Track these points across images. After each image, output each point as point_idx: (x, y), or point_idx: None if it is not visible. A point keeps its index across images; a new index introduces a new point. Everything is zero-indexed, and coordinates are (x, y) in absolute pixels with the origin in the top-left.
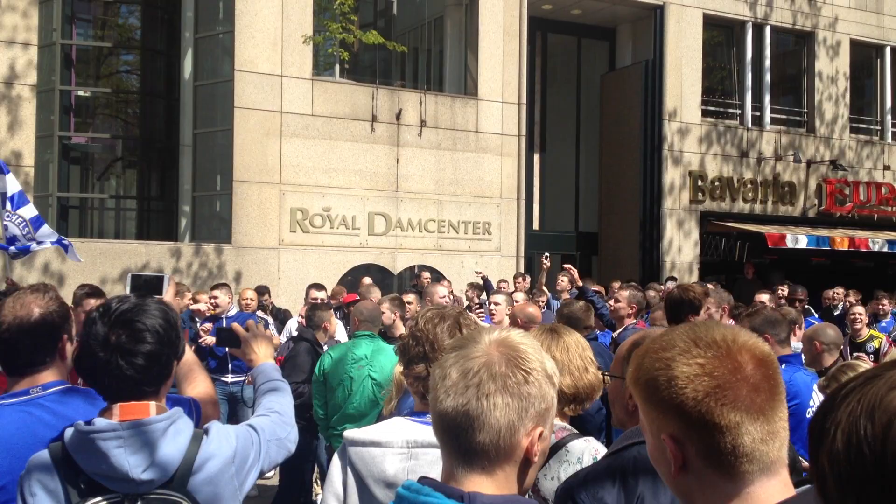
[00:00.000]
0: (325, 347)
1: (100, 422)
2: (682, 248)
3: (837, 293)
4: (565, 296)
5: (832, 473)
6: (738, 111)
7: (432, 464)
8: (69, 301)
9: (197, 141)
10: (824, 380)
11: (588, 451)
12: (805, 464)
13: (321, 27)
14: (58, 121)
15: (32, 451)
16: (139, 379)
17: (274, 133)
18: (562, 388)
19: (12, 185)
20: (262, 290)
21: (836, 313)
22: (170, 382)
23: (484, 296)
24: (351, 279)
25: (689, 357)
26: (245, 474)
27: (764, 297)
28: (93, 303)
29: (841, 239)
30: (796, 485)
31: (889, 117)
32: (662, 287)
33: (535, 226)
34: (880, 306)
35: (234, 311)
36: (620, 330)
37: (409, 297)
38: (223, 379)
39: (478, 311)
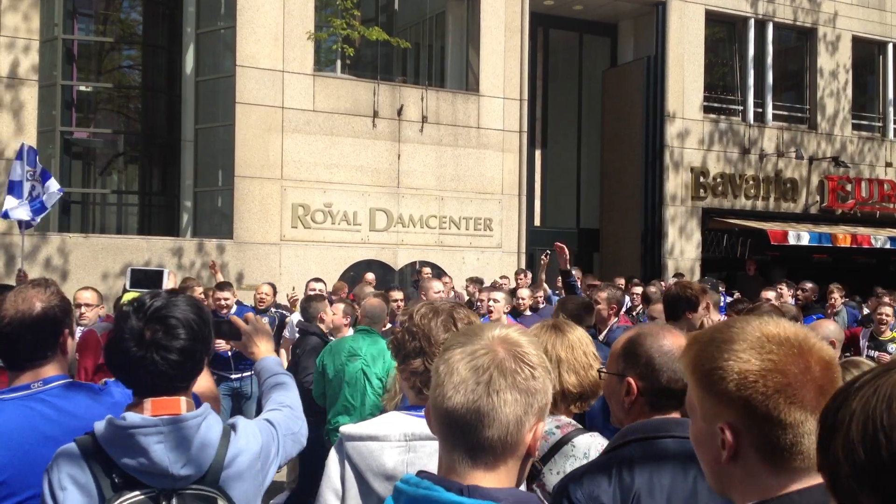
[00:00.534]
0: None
1: (134, 416)
2: (683, 245)
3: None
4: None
5: (847, 463)
6: (740, 107)
7: (430, 456)
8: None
9: (198, 136)
10: None
11: (594, 446)
12: None
13: (323, 23)
14: (59, 116)
15: (33, 445)
16: (173, 375)
17: (275, 128)
18: (568, 386)
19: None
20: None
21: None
22: (198, 378)
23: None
24: (353, 275)
25: (762, 352)
26: (267, 469)
27: (770, 294)
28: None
29: (843, 236)
30: None
31: (891, 114)
32: (663, 283)
33: (537, 222)
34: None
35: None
36: (605, 331)
37: (397, 295)
38: (229, 376)
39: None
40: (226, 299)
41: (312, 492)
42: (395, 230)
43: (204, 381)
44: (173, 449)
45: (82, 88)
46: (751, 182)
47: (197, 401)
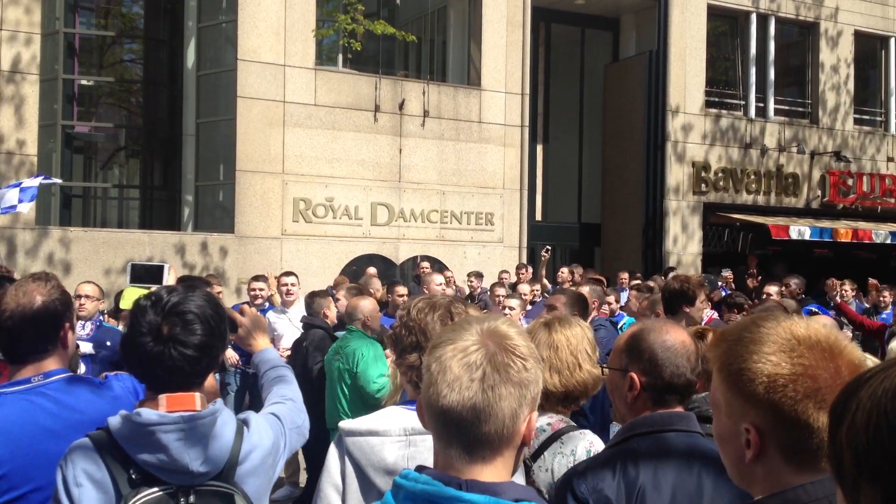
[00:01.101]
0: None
1: (151, 413)
2: (685, 239)
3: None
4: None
5: (850, 450)
6: (742, 102)
7: (431, 450)
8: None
9: (200, 130)
10: None
11: (583, 443)
12: None
13: (325, 17)
14: (61, 110)
15: (34, 439)
16: (189, 370)
17: (277, 123)
18: (548, 386)
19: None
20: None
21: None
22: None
23: (485, 284)
24: (354, 269)
25: (792, 355)
26: (277, 463)
27: (772, 290)
28: None
29: (844, 230)
30: None
31: (893, 108)
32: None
33: (538, 217)
34: (881, 298)
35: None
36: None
37: (402, 290)
38: (247, 369)
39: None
40: (260, 289)
41: None
42: (397, 224)
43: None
44: (193, 446)
45: (84, 82)
46: (752, 177)
47: None
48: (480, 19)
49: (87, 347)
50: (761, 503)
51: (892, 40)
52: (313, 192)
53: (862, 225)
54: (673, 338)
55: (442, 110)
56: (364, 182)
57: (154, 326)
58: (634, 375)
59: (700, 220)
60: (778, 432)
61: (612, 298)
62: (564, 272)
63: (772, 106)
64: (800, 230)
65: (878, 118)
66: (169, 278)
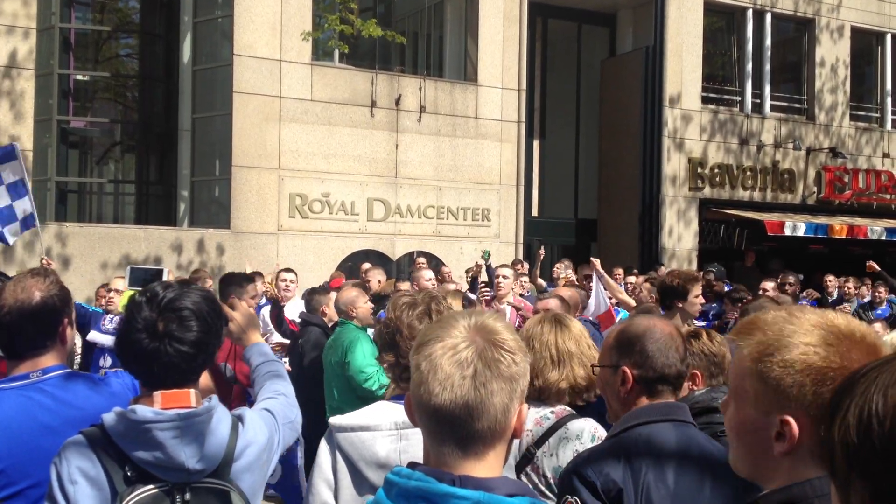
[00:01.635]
0: None
1: (146, 410)
2: (681, 235)
3: (830, 280)
4: (562, 283)
5: (841, 446)
6: (739, 98)
7: (422, 443)
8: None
9: (196, 126)
10: None
11: (588, 429)
12: None
13: (320, 14)
14: (56, 105)
15: (32, 435)
16: (185, 367)
17: (273, 118)
18: (578, 380)
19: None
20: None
21: (830, 300)
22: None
23: (483, 274)
24: (350, 265)
25: (840, 350)
26: (271, 459)
27: (768, 285)
28: None
29: (839, 227)
30: None
31: (889, 105)
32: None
33: (535, 212)
34: (877, 294)
35: None
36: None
37: (405, 286)
38: None
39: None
40: (292, 281)
41: None
42: (393, 220)
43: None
44: (189, 443)
45: (79, 77)
46: (748, 173)
47: None
48: (477, 14)
49: (110, 341)
50: (768, 497)
51: (889, 36)
52: (309, 188)
53: (858, 221)
54: (661, 330)
55: (438, 106)
56: (360, 178)
57: (150, 323)
58: (627, 369)
59: (696, 215)
60: (817, 426)
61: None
62: (560, 268)
63: (768, 102)
64: (795, 226)
65: (874, 114)
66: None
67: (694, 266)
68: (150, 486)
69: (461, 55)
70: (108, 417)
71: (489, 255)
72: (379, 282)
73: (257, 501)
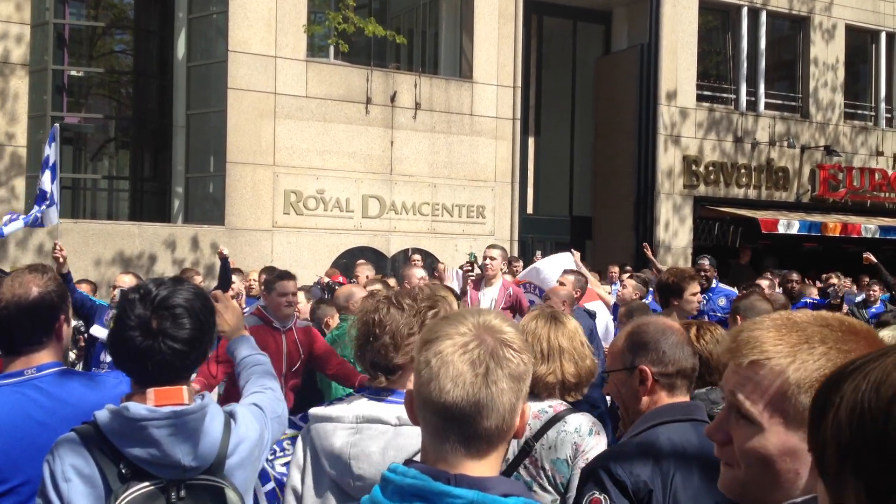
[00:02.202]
0: None
1: (139, 407)
2: (675, 232)
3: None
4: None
5: (834, 444)
6: (733, 96)
7: (373, 438)
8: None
9: (190, 122)
10: None
11: (585, 423)
12: None
13: (317, 9)
14: (50, 101)
15: (25, 432)
16: (179, 365)
17: (267, 114)
18: (567, 376)
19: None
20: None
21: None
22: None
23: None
24: (345, 262)
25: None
26: (262, 455)
27: (763, 283)
28: None
29: (833, 225)
30: None
31: (883, 103)
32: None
33: (529, 210)
34: (871, 292)
35: None
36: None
37: (392, 281)
38: None
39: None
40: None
41: None
42: (388, 217)
43: None
44: (184, 440)
45: (73, 73)
46: (743, 171)
47: None
48: (472, 11)
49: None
50: None
51: (883, 34)
52: (304, 185)
53: (852, 219)
54: (669, 327)
55: (434, 103)
56: (355, 174)
57: (143, 320)
58: (646, 368)
59: (691, 213)
60: None
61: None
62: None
63: (763, 100)
64: (789, 224)
65: (869, 112)
66: None
67: (689, 264)
68: (145, 484)
69: (456, 52)
70: (102, 415)
71: (475, 256)
72: (367, 277)
73: (249, 497)
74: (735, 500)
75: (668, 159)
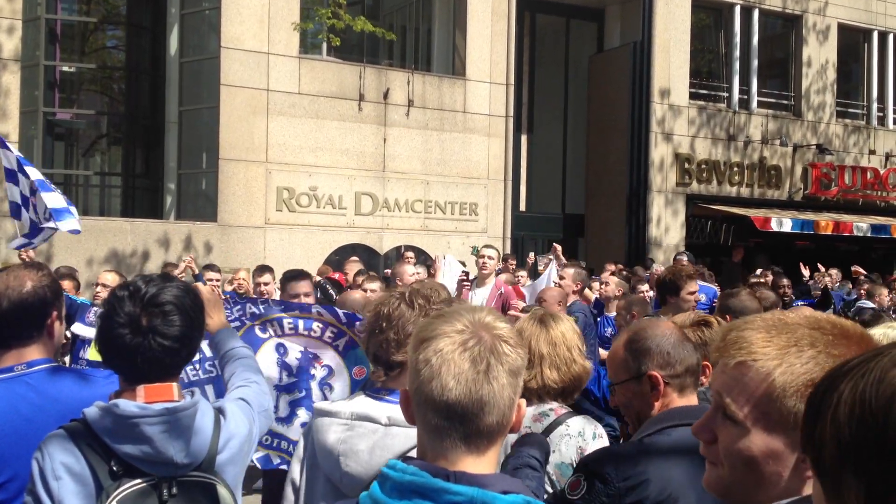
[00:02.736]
0: None
1: (130, 404)
2: (668, 230)
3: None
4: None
5: (833, 444)
6: (726, 94)
7: (363, 436)
8: None
9: (182, 118)
10: None
11: (588, 427)
12: None
13: (310, 5)
14: (42, 96)
15: (14, 428)
16: (169, 362)
17: (260, 111)
18: (549, 382)
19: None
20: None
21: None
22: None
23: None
24: (338, 259)
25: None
26: (251, 450)
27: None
28: None
29: (825, 223)
30: None
31: (875, 102)
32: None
33: (522, 207)
34: (861, 291)
35: None
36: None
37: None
38: None
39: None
40: (266, 283)
41: None
42: (381, 214)
43: None
44: (176, 437)
45: (65, 69)
46: (735, 169)
47: None
48: (465, 9)
49: (92, 333)
50: None
51: (876, 34)
52: (297, 181)
53: (844, 218)
54: (667, 328)
55: (426, 100)
56: (348, 171)
57: (133, 318)
58: (655, 373)
59: (683, 211)
60: None
61: (595, 285)
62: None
63: (755, 98)
64: (781, 222)
65: (861, 111)
66: None
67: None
68: (137, 481)
69: (449, 49)
70: (91, 412)
71: (477, 250)
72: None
73: (239, 493)
74: (720, 498)
75: (660, 157)
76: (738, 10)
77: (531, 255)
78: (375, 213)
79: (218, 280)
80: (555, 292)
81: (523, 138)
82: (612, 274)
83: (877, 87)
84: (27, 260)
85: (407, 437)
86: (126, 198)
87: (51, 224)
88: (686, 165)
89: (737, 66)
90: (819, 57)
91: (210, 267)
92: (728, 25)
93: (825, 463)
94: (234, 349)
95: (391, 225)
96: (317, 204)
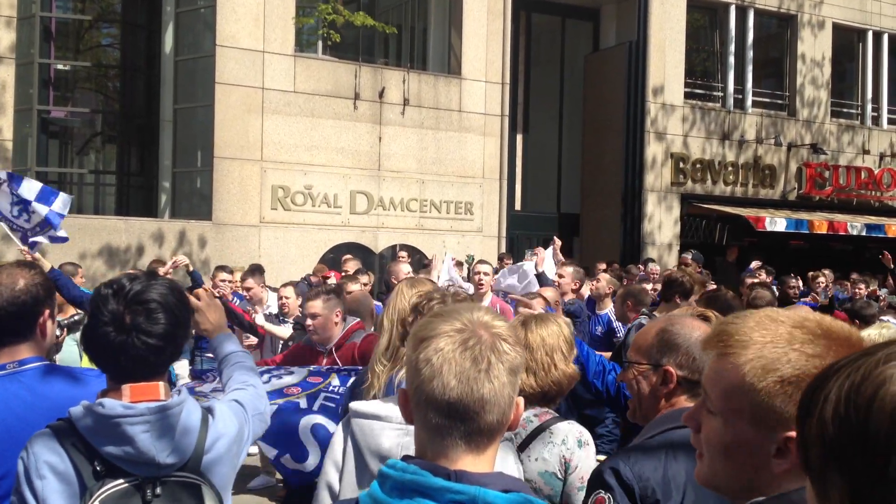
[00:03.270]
0: None
1: (115, 404)
2: (662, 230)
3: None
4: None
5: (819, 442)
6: (721, 94)
7: None
8: None
9: (177, 116)
10: None
11: (572, 433)
12: None
13: (306, 3)
14: (36, 94)
15: (7, 426)
16: (154, 360)
17: (255, 109)
18: (524, 387)
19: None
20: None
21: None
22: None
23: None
24: (333, 257)
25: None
26: (241, 451)
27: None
28: None
29: (819, 222)
30: None
31: (870, 102)
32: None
33: (517, 206)
34: (856, 291)
35: None
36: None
37: (365, 279)
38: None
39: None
40: (221, 280)
41: None
42: (376, 213)
43: None
44: (160, 437)
45: (60, 67)
46: (730, 168)
47: None
48: (461, 8)
49: None
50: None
51: (870, 33)
52: (292, 180)
53: (838, 217)
54: (700, 332)
55: (422, 99)
56: (343, 170)
57: (117, 316)
58: (671, 369)
59: (678, 210)
60: None
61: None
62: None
63: (750, 98)
64: (775, 221)
65: (855, 111)
66: None
67: (676, 261)
68: (120, 481)
69: (445, 48)
70: (76, 411)
71: (472, 259)
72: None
73: (227, 494)
74: (708, 489)
75: (655, 156)
76: (733, 9)
77: (527, 254)
78: (371, 212)
79: (231, 281)
80: (548, 293)
81: (519, 137)
82: (604, 272)
83: (871, 86)
84: (28, 259)
85: None
86: (121, 196)
87: (40, 238)
88: (681, 165)
89: (732, 65)
90: (814, 56)
91: (222, 268)
92: (723, 25)
93: (812, 460)
94: (232, 353)
95: (386, 224)
96: (312, 202)
